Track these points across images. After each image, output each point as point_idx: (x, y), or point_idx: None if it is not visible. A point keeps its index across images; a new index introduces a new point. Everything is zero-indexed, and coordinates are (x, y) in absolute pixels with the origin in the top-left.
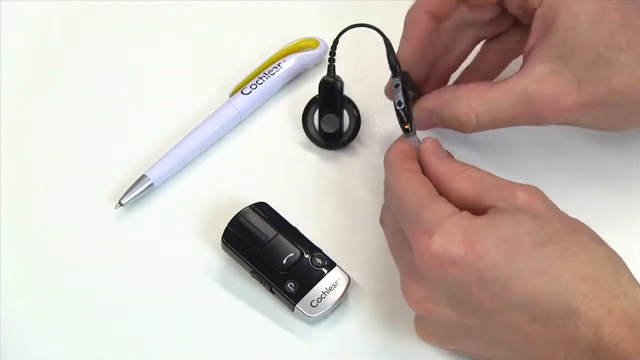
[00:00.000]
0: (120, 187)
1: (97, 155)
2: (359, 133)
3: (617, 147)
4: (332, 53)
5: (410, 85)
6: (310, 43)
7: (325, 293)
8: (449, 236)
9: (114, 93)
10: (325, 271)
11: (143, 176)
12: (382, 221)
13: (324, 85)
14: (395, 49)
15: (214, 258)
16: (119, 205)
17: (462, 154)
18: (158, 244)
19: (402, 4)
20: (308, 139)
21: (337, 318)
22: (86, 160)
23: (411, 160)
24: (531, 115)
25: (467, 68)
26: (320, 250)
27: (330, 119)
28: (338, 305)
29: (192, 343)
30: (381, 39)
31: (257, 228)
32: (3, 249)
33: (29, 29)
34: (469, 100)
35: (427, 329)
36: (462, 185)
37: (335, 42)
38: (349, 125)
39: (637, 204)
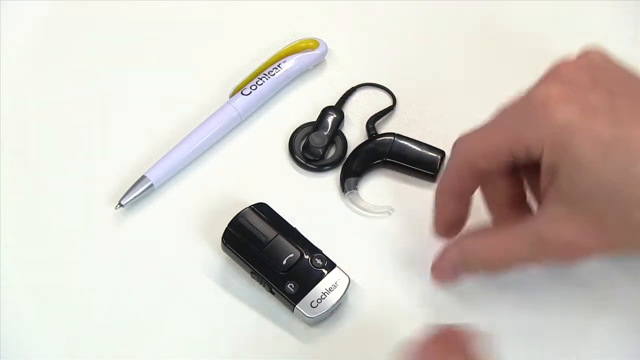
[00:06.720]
0: (120, 188)
1: (96, 155)
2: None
3: None
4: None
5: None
6: (310, 44)
7: (325, 294)
8: None
9: (113, 93)
10: (325, 272)
11: (143, 177)
12: None
13: (326, 111)
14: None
15: (213, 259)
16: (118, 206)
17: None
18: (158, 245)
19: (403, 4)
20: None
21: (337, 319)
22: (86, 161)
23: None
24: (552, 258)
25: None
26: (320, 251)
27: (319, 135)
28: (338, 306)
29: (192, 344)
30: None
31: (257, 229)
32: (3, 250)
33: (29, 29)
34: (490, 248)
35: None
36: None
37: (347, 94)
38: (334, 154)
39: None
